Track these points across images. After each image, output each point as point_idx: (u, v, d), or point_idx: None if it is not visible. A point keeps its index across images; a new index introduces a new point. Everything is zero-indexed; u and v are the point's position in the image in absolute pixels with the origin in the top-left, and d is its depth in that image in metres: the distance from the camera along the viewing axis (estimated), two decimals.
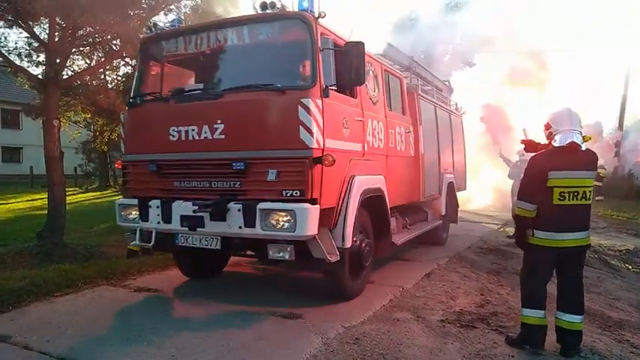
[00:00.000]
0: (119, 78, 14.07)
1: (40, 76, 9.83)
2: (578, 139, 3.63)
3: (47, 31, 8.89)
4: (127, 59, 11.89)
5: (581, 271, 3.84)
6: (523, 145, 4.46)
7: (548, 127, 3.82)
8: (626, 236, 10.46)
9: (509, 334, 3.98)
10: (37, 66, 11.13)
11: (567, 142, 3.62)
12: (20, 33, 9.92)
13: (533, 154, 3.97)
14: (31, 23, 8.58)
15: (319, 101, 4.21)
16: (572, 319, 3.70)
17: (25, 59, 10.45)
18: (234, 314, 4.51)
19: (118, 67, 13.52)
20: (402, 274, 6.16)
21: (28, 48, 10.30)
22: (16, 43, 10.52)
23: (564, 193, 3.60)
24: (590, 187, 3.69)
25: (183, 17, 10.71)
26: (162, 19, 11.53)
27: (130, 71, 12.92)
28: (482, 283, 5.89)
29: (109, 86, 14.04)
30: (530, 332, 3.73)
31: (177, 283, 5.77)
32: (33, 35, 9.07)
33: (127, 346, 3.74)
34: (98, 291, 5.37)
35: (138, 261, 6.79)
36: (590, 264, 7.06)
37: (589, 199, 3.69)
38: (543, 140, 4.00)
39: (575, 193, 3.61)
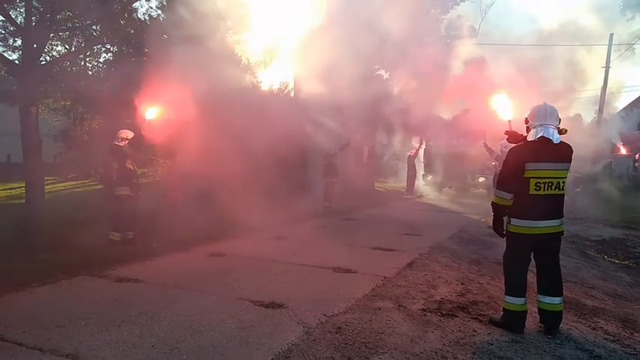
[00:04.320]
0: (99, 64, 13.77)
1: (16, 62, 9.57)
2: (549, 134, 3.82)
3: (24, 15, 8.64)
4: (108, 45, 11.65)
5: (558, 256, 4.05)
6: (506, 136, 4.60)
7: (526, 121, 4.05)
8: (602, 227, 10.72)
9: (493, 316, 4.18)
10: (13, 51, 10.82)
11: (538, 136, 3.83)
12: None
13: (513, 145, 4.15)
14: (6, 6, 8.32)
15: None
16: (552, 301, 3.93)
17: (0, 44, 10.15)
18: (215, 304, 4.50)
19: (98, 54, 13.23)
20: (384, 264, 6.21)
21: (3, 32, 9.99)
22: None
23: (540, 183, 3.80)
24: (563, 178, 3.89)
25: (165, 3, 10.52)
26: (145, 5, 11.30)
27: (110, 57, 12.66)
28: (463, 272, 5.98)
29: (90, 73, 13.75)
30: (512, 318, 3.96)
31: (158, 273, 5.72)
32: (8, 18, 8.79)
33: (107, 336, 3.70)
34: (77, 281, 5.29)
35: (118, 251, 6.73)
36: (567, 254, 7.22)
37: (562, 189, 3.90)
38: (525, 133, 4.18)
39: (550, 184, 3.81)
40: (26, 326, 3.88)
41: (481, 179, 16.81)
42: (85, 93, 11.86)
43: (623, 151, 22.18)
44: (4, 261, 5.82)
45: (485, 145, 10.41)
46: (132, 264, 6.06)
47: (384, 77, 18.86)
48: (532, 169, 3.80)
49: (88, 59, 13.80)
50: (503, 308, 4.05)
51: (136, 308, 4.34)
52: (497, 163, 10.08)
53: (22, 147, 8.16)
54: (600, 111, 23.71)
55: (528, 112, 4.05)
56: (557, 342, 3.76)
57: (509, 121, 6.49)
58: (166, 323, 3.97)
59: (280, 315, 4.21)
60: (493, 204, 4.06)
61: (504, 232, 4.05)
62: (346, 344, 3.59)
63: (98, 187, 16.23)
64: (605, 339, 3.90)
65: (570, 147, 3.94)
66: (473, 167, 16.50)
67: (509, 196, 3.91)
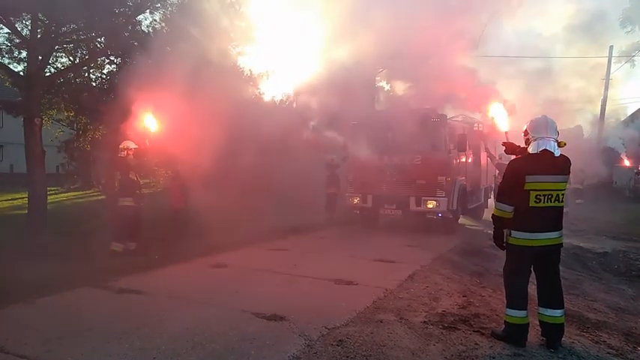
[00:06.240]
0: (103, 76, 13.88)
1: (21, 73, 9.66)
2: (551, 147, 3.84)
3: (29, 28, 8.74)
4: (112, 57, 11.76)
5: (558, 268, 4.04)
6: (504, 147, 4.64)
7: (526, 133, 4.05)
8: (604, 239, 10.67)
9: (495, 329, 4.16)
10: (18, 63, 10.93)
11: (540, 149, 3.84)
12: (1, 29, 9.74)
13: (512, 157, 4.17)
14: (12, 19, 8.43)
15: None
16: (553, 314, 3.91)
17: (6, 55, 10.27)
18: (217, 315, 4.49)
19: (102, 65, 13.35)
20: (386, 276, 6.20)
21: (9, 44, 10.12)
22: None
23: (540, 196, 3.81)
24: (563, 190, 3.90)
25: (168, 16, 10.63)
26: (148, 18, 11.41)
27: (114, 69, 12.77)
28: (464, 284, 5.96)
29: (93, 84, 13.85)
30: (514, 331, 3.93)
31: (160, 284, 5.71)
32: (14, 31, 8.90)
33: (108, 348, 3.70)
34: (79, 292, 5.29)
35: (121, 262, 6.73)
36: (568, 266, 7.20)
37: (562, 201, 3.92)
38: (523, 144, 4.20)
39: (550, 196, 3.82)
40: (27, 338, 3.89)
41: (431, 204, 10.37)
42: (89, 104, 11.95)
43: (627, 162, 22.20)
44: (6, 272, 5.82)
45: (487, 150, 10.38)
46: (133, 275, 6.06)
47: (385, 89, 18.95)
48: (532, 182, 3.81)
49: (91, 71, 13.91)
50: (505, 321, 4.03)
51: (138, 320, 4.34)
52: (498, 172, 10.05)
53: (26, 157, 8.20)
54: (601, 118, 23.74)
55: (527, 124, 4.05)
56: (560, 356, 3.74)
57: (506, 133, 6.53)
58: (168, 335, 3.96)
59: (282, 327, 4.21)
60: (494, 216, 4.07)
61: (505, 245, 4.05)
62: (348, 357, 3.58)
63: (101, 197, 16.28)
64: (609, 353, 3.88)
65: (569, 160, 3.96)
66: (418, 187, 10.41)
67: (509, 208, 3.90)
